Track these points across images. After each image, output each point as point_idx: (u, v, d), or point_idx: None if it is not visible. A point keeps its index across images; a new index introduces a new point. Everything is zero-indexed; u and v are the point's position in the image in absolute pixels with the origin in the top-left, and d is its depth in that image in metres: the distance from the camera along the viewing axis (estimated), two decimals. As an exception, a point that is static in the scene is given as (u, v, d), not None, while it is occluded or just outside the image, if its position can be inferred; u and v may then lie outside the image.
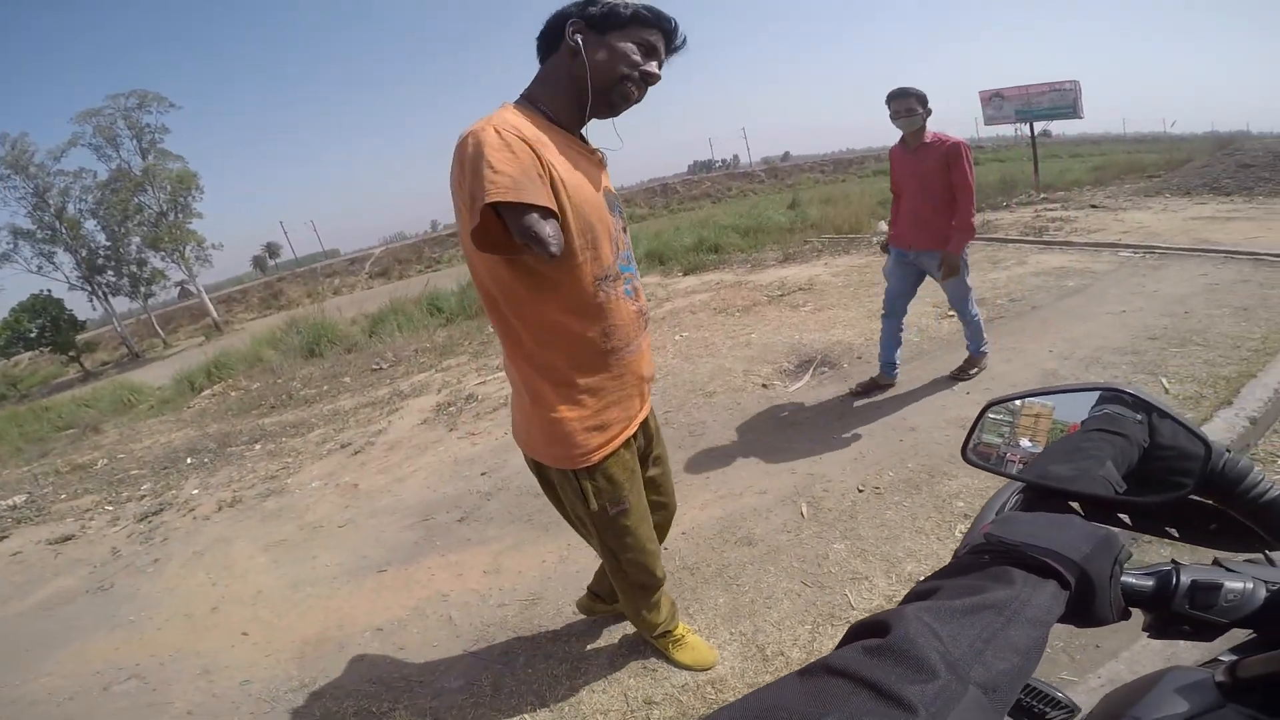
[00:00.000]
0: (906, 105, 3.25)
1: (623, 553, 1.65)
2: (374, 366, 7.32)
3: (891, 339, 3.66)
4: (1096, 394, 0.62)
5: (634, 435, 1.58)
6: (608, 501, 1.54)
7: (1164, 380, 3.18)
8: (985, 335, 3.71)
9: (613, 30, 1.34)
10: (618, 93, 1.36)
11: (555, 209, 1.18)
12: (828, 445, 3.15)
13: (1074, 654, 1.83)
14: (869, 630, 0.39)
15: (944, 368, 3.80)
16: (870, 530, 2.42)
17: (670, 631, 1.97)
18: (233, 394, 8.08)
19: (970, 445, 0.69)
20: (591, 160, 1.39)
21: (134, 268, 23.22)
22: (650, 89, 1.41)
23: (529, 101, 1.36)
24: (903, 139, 3.43)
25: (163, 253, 23.16)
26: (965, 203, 3.32)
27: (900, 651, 0.35)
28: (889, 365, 3.68)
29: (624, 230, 1.47)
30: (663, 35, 1.38)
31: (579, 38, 1.32)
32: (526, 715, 1.90)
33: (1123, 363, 3.47)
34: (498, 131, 1.17)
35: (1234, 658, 0.58)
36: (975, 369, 3.70)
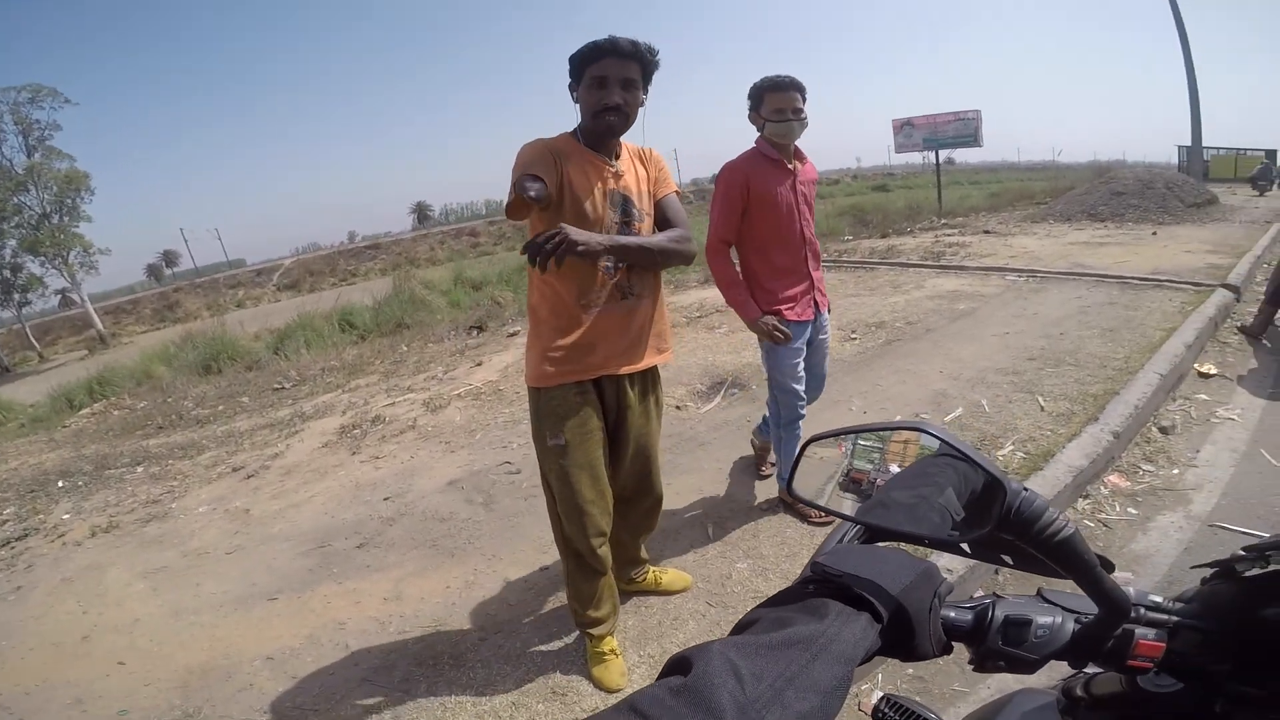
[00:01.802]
0: (795, 101, 2.33)
1: (558, 489, 1.89)
2: (276, 386, 6.95)
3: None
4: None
5: (595, 393, 1.86)
6: (548, 430, 1.84)
7: (1040, 398, 3.45)
8: None
9: (580, 78, 1.73)
10: (600, 128, 1.74)
11: (543, 178, 1.62)
12: (735, 466, 3.23)
13: (964, 666, 1.94)
14: (678, 666, 0.39)
15: (848, 389, 3.97)
16: (771, 549, 2.50)
17: (595, 637, 2.02)
18: (115, 413, 7.51)
19: (795, 480, 0.69)
20: (602, 172, 1.77)
21: (6, 273, 21.31)
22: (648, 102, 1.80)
23: (574, 131, 1.82)
24: (770, 151, 2.42)
25: (43, 257, 21.37)
26: None
27: (694, 691, 0.35)
28: None
29: (626, 224, 1.81)
30: (614, 59, 1.68)
31: (574, 94, 1.77)
32: (425, 745, 1.85)
33: (1004, 382, 3.73)
34: (534, 143, 1.74)
35: (1095, 673, 0.62)
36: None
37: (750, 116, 2.44)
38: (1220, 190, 11.40)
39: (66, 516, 4.17)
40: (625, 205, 1.80)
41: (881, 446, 0.69)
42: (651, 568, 2.34)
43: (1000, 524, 0.51)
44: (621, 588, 2.30)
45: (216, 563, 3.14)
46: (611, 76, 1.69)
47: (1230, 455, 2.96)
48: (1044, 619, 0.55)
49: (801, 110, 2.34)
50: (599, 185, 1.76)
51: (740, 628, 0.45)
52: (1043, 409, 3.33)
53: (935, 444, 0.63)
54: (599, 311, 1.80)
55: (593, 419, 1.86)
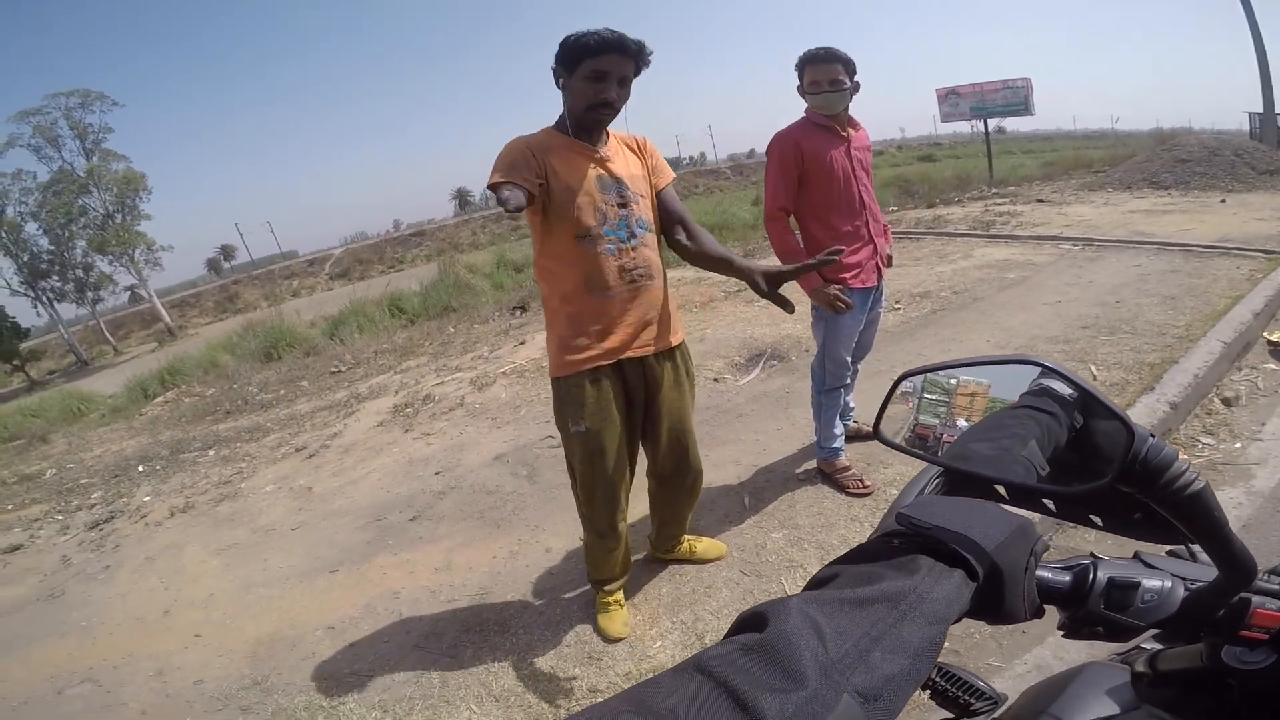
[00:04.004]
0: (831, 73, 2.33)
1: (581, 471, 1.95)
2: (332, 369, 7.24)
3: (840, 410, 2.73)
4: (1037, 370, 0.58)
5: (618, 377, 1.88)
6: (569, 416, 1.88)
7: (1093, 367, 3.34)
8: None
9: (574, 67, 1.69)
10: (589, 120, 1.76)
11: (522, 184, 1.61)
12: (772, 437, 3.24)
13: (1001, 639, 1.91)
14: (751, 622, 0.36)
15: (891, 358, 3.91)
16: (807, 519, 2.51)
17: (606, 590, 2.15)
18: (186, 400, 7.92)
19: (882, 423, 0.64)
20: (590, 157, 1.80)
21: (79, 272, 22.52)
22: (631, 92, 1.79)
23: (558, 121, 1.82)
24: (820, 119, 2.41)
25: (110, 256, 22.48)
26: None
27: (772, 651, 0.32)
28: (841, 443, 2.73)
29: (622, 205, 1.82)
30: (617, 55, 1.68)
31: (560, 80, 1.75)
32: (473, 705, 1.95)
33: (1055, 351, 3.62)
34: (513, 142, 1.74)
35: (1156, 648, 0.59)
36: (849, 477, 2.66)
37: (798, 89, 2.44)
38: (1297, 157, 10.63)
39: (147, 499, 4.46)
40: (619, 188, 1.82)
41: (948, 400, 0.65)
42: (687, 537, 2.39)
43: (1120, 475, 0.47)
44: (657, 556, 2.39)
45: (283, 538, 3.33)
46: (612, 73, 1.69)
47: (1299, 428, 2.80)
48: (1152, 582, 0.51)
49: (841, 81, 2.33)
50: (587, 170, 1.78)
51: (816, 583, 0.41)
52: (1095, 378, 3.23)
53: (1012, 398, 0.60)
54: (609, 296, 1.82)
55: (613, 404, 1.88)
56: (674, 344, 1.98)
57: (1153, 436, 0.46)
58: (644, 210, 1.88)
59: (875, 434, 0.65)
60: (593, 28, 1.66)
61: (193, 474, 4.77)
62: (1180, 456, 0.46)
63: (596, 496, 1.95)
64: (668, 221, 1.97)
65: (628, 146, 1.91)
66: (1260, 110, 15.47)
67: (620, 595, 2.18)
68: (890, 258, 2.69)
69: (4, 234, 20.95)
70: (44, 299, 22.17)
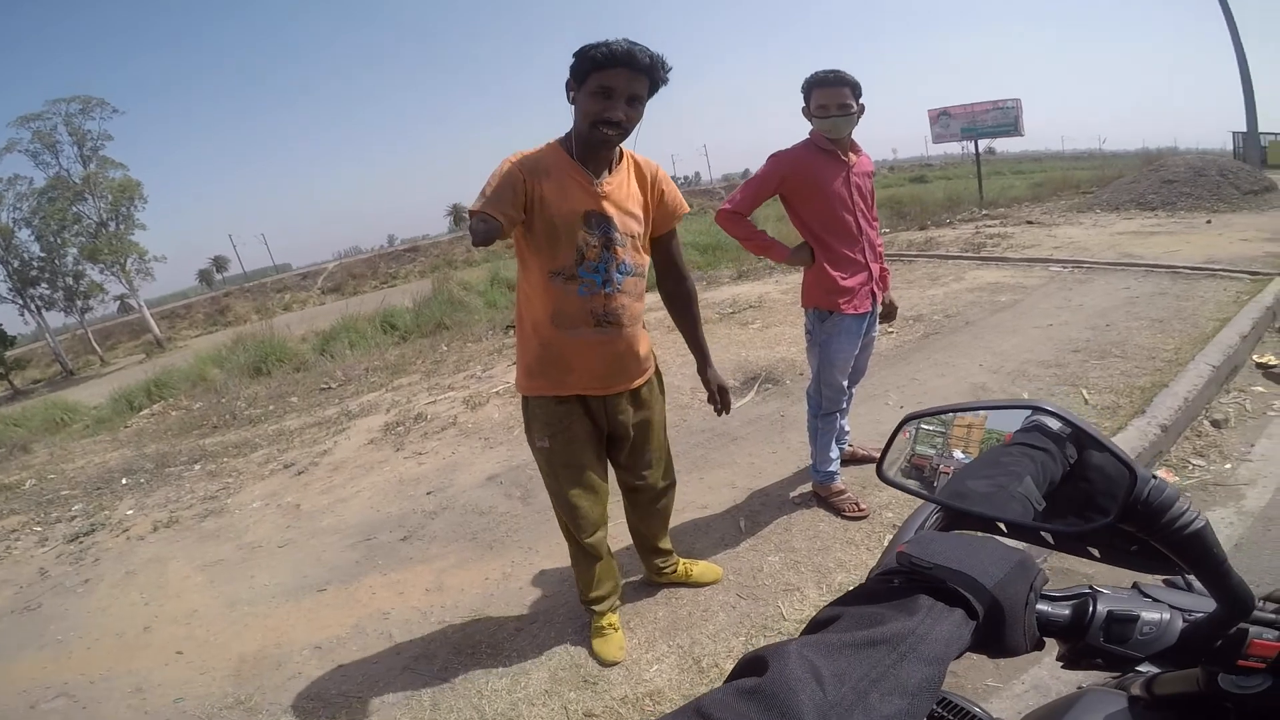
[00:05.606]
0: (840, 97, 2.31)
1: (548, 485, 1.99)
2: (323, 386, 7.19)
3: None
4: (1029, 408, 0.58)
5: (579, 406, 1.87)
6: (535, 434, 1.90)
7: (1084, 391, 3.36)
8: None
9: (583, 80, 1.57)
10: (594, 139, 1.62)
11: (499, 216, 1.53)
12: (767, 460, 3.24)
13: (999, 661, 1.92)
14: (751, 667, 0.36)
15: (885, 382, 3.93)
16: (804, 542, 2.50)
17: (599, 614, 2.12)
18: (173, 414, 7.83)
19: (885, 462, 0.65)
20: (586, 190, 1.68)
21: (69, 280, 22.31)
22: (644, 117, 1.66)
23: (564, 138, 1.71)
24: (823, 143, 2.40)
25: (101, 265, 22.30)
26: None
27: (770, 696, 0.33)
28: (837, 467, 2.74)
29: (605, 247, 1.72)
30: (626, 70, 1.54)
31: (570, 93, 1.62)
32: (464, 730, 1.91)
33: (1047, 375, 3.65)
34: (509, 159, 1.64)
35: (1153, 671, 0.59)
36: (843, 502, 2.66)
37: (803, 111, 2.41)
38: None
39: (130, 512, 4.39)
40: (606, 228, 1.71)
41: (945, 431, 0.66)
42: (682, 560, 2.37)
43: (1123, 514, 0.47)
44: (651, 579, 2.37)
45: (269, 555, 3.27)
46: (620, 89, 1.55)
47: (1288, 449, 2.82)
48: (1151, 615, 0.52)
49: (849, 105, 2.31)
50: (576, 205, 1.67)
51: (817, 625, 0.42)
52: (1086, 402, 3.25)
53: (1007, 430, 0.61)
54: (574, 335, 1.77)
55: (576, 423, 1.88)
56: (640, 384, 1.94)
57: (1154, 477, 0.47)
58: (629, 253, 1.76)
59: (879, 474, 0.66)
60: (610, 38, 1.54)
61: (178, 488, 4.70)
62: (1181, 495, 0.47)
63: (569, 505, 1.95)
64: (661, 270, 1.98)
65: (636, 173, 1.78)
66: (1244, 130, 15.79)
67: (615, 619, 2.16)
68: (892, 306, 2.79)
69: (-5, 240, 20.77)
70: (32, 306, 21.97)
